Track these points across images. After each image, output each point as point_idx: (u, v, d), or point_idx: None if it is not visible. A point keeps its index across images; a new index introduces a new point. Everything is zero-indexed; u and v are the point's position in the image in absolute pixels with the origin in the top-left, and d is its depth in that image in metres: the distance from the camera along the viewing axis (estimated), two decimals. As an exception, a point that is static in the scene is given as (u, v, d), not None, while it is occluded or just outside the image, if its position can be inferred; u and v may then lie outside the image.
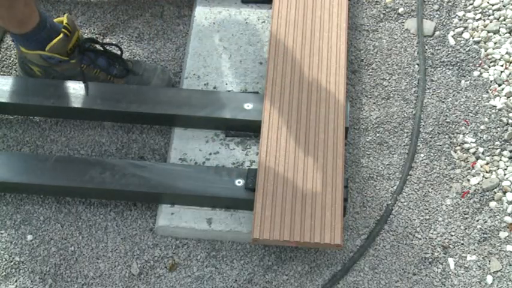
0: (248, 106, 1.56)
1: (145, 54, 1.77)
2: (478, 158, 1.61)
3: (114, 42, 1.77)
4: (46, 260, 1.48)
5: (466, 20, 1.81)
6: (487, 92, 1.70)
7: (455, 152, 1.62)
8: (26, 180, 1.49)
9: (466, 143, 1.63)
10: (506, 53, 1.74)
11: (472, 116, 1.66)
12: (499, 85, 1.71)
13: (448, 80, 1.72)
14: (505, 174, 1.58)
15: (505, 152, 1.61)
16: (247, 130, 1.57)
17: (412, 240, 1.51)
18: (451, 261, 1.48)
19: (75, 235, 1.51)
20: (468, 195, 1.56)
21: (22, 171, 1.51)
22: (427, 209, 1.54)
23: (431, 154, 1.62)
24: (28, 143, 1.63)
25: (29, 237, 1.51)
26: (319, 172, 1.44)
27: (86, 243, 1.50)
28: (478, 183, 1.57)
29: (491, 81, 1.71)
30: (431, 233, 1.51)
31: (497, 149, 1.61)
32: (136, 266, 1.47)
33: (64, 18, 1.54)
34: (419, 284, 1.45)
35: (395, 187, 1.57)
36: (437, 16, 1.82)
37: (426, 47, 1.77)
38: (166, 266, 1.47)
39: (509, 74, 1.71)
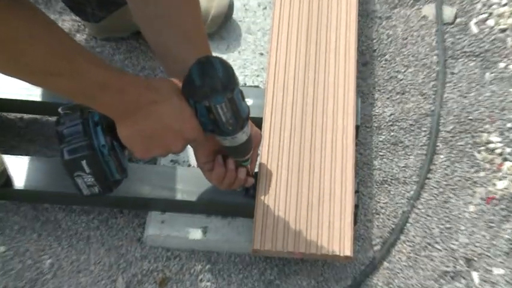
0: (248, 102, 1.48)
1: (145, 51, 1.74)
2: (504, 160, 1.58)
3: None
4: (21, 275, 1.43)
5: (491, 5, 1.80)
6: (514, 86, 1.70)
7: (479, 153, 1.59)
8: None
9: (491, 142, 1.60)
10: (535, 42, 1.74)
11: (497, 113, 1.64)
12: (528, 78, 1.70)
13: (471, 72, 1.70)
14: (535, 178, 1.56)
15: (534, 153, 1.60)
16: (247, 128, 1.55)
17: (431, 251, 1.48)
18: (475, 275, 1.45)
19: (53, 246, 1.47)
20: (494, 201, 1.53)
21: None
22: (447, 217, 1.52)
23: (452, 155, 1.59)
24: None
25: (2, 248, 1.47)
26: (327, 176, 1.41)
27: (65, 255, 1.46)
28: (505, 188, 1.54)
29: (518, 74, 1.71)
30: (453, 244, 1.48)
31: (526, 149, 1.61)
32: (123, 280, 1.43)
33: None
34: (440, 302, 1.43)
35: (412, 192, 1.55)
36: (458, 1, 1.81)
37: (446, 36, 1.75)
38: (155, 281, 1.43)
39: (539, 65, 1.70)
